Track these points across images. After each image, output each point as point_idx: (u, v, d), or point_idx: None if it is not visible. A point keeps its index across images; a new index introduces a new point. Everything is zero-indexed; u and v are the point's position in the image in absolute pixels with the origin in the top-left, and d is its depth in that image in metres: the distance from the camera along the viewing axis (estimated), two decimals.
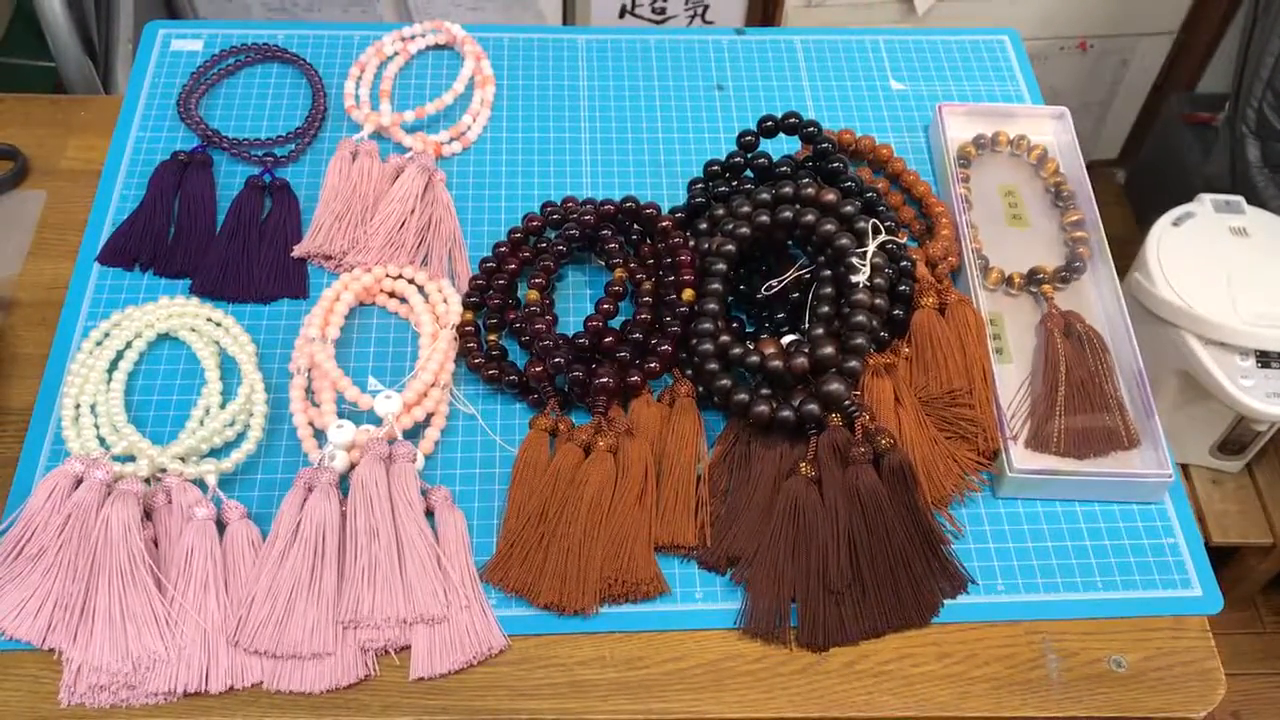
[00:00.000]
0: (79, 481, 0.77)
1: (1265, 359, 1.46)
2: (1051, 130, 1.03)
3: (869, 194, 0.89)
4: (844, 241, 0.82)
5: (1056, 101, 1.08)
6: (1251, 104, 1.81)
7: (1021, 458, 0.81)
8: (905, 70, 1.09)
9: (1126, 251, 1.65)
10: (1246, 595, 1.74)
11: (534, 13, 1.84)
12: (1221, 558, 1.64)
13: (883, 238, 0.83)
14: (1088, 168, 1.00)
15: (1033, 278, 0.92)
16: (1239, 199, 1.61)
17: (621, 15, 1.86)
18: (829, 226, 0.83)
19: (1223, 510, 1.64)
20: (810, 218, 0.84)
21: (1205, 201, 1.60)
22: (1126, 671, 0.76)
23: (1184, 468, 1.64)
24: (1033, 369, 0.88)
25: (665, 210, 0.93)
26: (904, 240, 0.88)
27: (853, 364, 0.79)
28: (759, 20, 1.84)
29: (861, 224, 0.83)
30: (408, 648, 0.73)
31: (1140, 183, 2.19)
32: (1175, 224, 1.58)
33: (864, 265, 0.81)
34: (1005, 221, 0.97)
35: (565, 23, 1.87)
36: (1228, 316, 1.45)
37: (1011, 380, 0.87)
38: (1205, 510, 1.63)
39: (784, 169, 0.90)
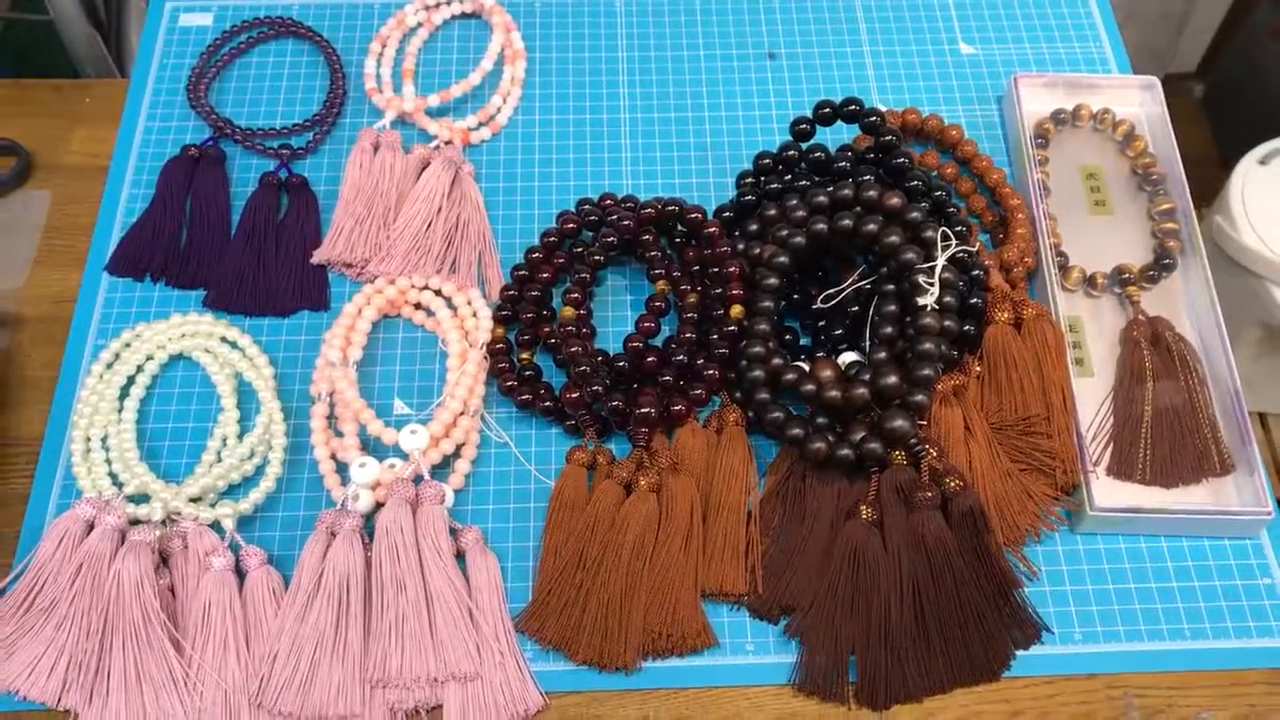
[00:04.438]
0: (91, 526, 0.72)
1: None
2: (1139, 102, 0.93)
3: (938, 193, 0.81)
4: (910, 256, 0.74)
5: (1131, 12, 0.98)
6: None
7: (1103, 494, 0.74)
8: (976, 31, 0.99)
9: (1202, 176, 1.53)
10: None
11: None
12: None
13: (953, 248, 0.75)
14: (1163, 82, 0.91)
15: (1117, 278, 0.84)
16: None
17: None
18: (893, 238, 0.75)
19: None
20: (872, 226, 0.76)
21: None
22: None
23: (1262, 418, 1.56)
24: (1116, 383, 0.80)
25: (712, 207, 0.85)
26: (976, 243, 0.80)
27: (919, 397, 0.72)
28: None
29: (929, 233, 0.75)
30: (439, 708, 0.69)
31: (1221, 100, 2.05)
32: (1262, 163, 1.47)
33: (932, 284, 0.73)
34: (1087, 209, 0.89)
35: None
36: None
37: (1093, 395, 0.80)
38: None
39: (843, 164, 0.82)
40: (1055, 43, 0.99)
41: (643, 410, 0.75)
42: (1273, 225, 1.39)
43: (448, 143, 0.90)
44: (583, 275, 0.80)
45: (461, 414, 0.77)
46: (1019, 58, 0.98)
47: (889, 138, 0.81)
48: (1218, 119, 2.03)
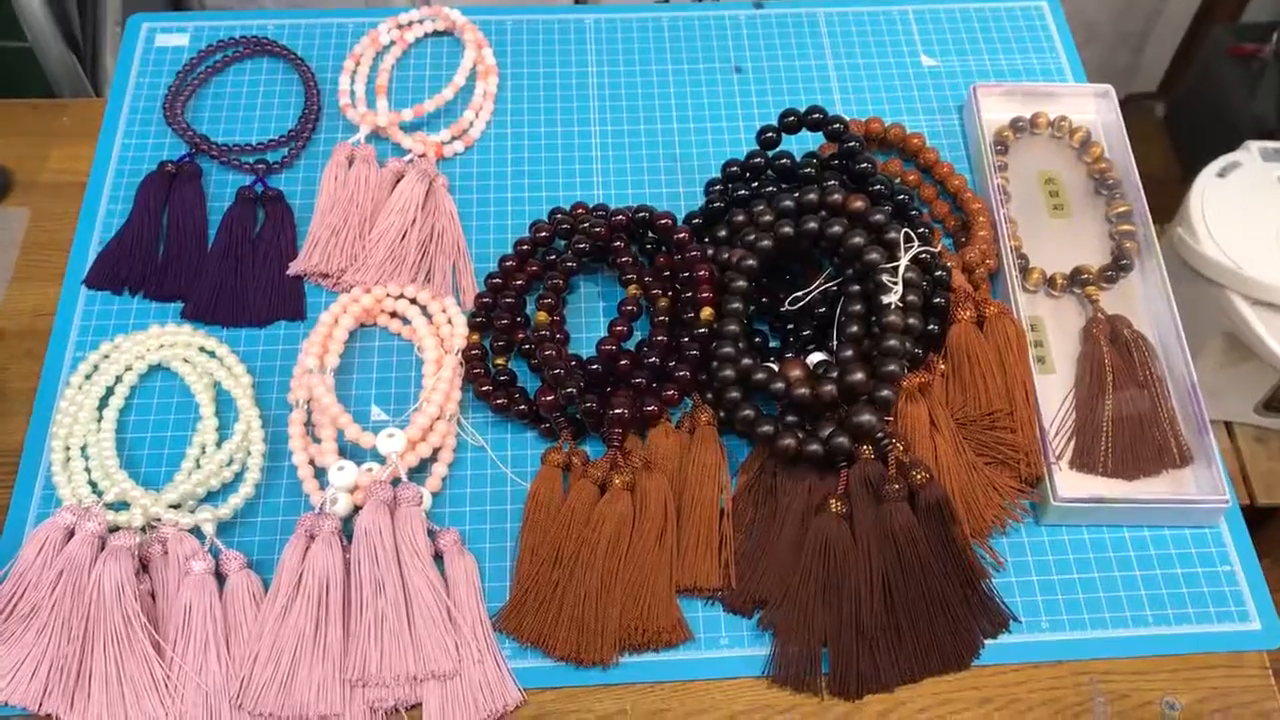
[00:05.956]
0: (71, 533, 0.73)
1: None
2: (1095, 109, 0.96)
3: (901, 196, 0.83)
4: (874, 256, 0.76)
5: (1092, 33, 1.00)
6: None
7: (1066, 485, 0.76)
8: (936, 44, 1.02)
9: (1165, 192, 1.57)
10: None
11: None
12: (1264, 517, 1.59)
13: (916, 249, 0.77)
14: (1123, 103, 0.93)
15: (1076, 278, 0.86)
16: None
17: None
18: (857, 239, 0.77)
19: (1268, 469, 1.58)
20: (837, 228, 0.78)
21: (1252, 150, 1.52)
22: (1181, 714, 0.71)
23: (1227, 426, 1.58)
24: (1077, 379, 0.82)
25: (682, 215, 0.87)
26: (939, 244, 0.82)
27: (885, 393, 0.74)
28: None
29: (893, 234, 0.77)
30: (418, 706, 0.70)
31: (1181, 118, 2.09)
32: (1220, 175, 1.50)
33: (896, 283, 0.75)
34: (1046, 212, 0.91)
35: None
36: (1277, 276, 1.38)
37: (1055, 391, 0.82)
38: (1249, 470, 1.57)
39: (808, 170, 0.84)
40: (1013, 55, 1.02)
41: (616, 411, 0.76)
42: (1231, 235, 1.42)
43: (421, 156, 0.92)
44: (556, 281, 0.82)
45: (438, 418, 0.79)
46: (978, 69, 1.00)
47: (852, 144, 0.83)
48: (1179, 136, 2.07)
